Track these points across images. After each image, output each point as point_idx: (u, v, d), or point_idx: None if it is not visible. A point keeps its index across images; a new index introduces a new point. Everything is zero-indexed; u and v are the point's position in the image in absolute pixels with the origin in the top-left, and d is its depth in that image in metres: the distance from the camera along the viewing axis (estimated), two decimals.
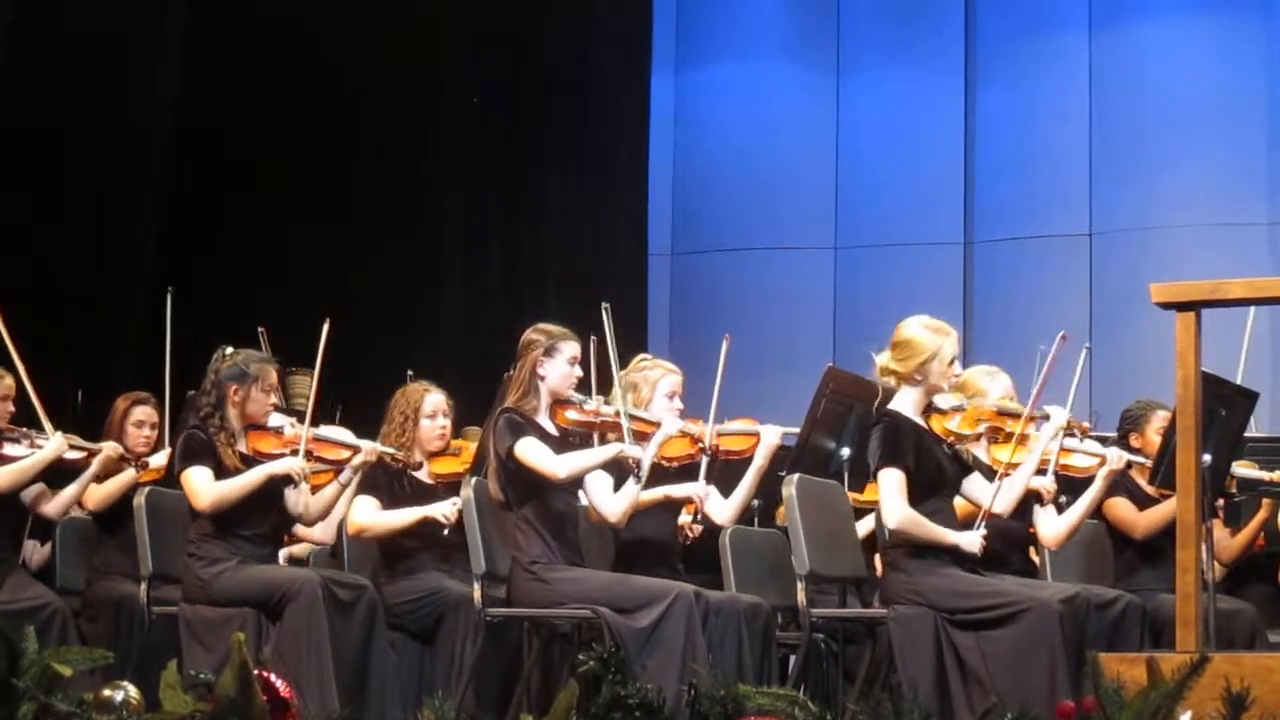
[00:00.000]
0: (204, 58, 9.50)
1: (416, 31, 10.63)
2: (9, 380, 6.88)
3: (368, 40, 10.37)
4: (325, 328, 6.45)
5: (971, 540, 5.92)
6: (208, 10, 9.52)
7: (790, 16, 12.19)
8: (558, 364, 6.07)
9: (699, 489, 6.35)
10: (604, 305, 6.33)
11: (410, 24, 10.59)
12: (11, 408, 6.87)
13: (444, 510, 6.51)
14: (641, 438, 6.20)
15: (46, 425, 7.00)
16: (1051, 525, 6.53)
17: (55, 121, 8.91)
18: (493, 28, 11.10)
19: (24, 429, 6.90)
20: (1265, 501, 7.01)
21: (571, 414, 6.11)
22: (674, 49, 12.29)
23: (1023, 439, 6.18)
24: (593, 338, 6.41)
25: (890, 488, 5.87)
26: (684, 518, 6.66)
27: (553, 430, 6.09)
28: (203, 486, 6.10)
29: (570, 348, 6.11)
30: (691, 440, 6.34)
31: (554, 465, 5.94)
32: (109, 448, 7.04)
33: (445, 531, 6.47)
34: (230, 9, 9.71)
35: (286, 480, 6.29)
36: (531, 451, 5.95)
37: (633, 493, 6.10)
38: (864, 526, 6.83)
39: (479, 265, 11.02)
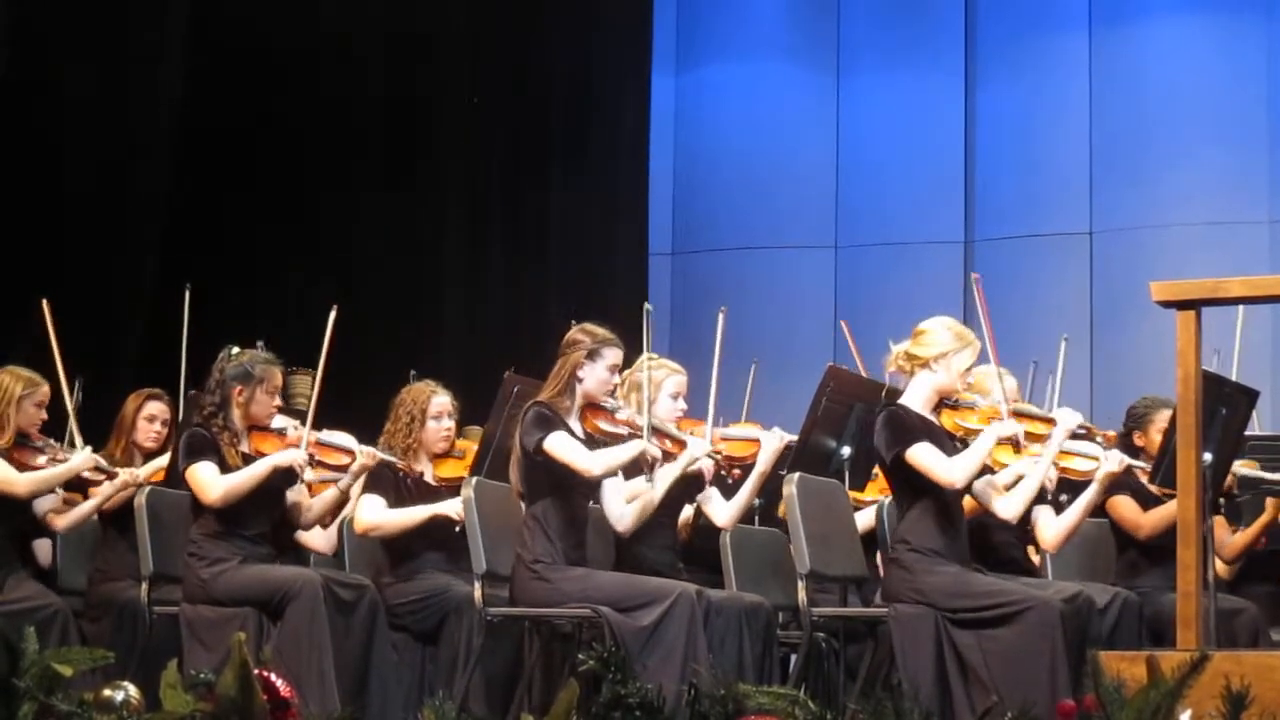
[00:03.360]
0: (205, 59, 9.50)
1: (417, 31, 10.63)
2: (45, 388, 6.89)
3: (369, 40, 10.38)
4: (332, 315, 6.43)
5: (1005, 428, 5.94)
6: (208, 10, 9.53)
7: (791, 16, 12.19)
8: (598, 369, 6.04)
9: (707, 460, 6.33)
10: (646, 307, 6.30)
11: (411, 24, 10.60)
12: (44, 415, 6.88)
13: (455, 508, 6.49)
14: (665, 456, 6.17)
15: (78, 439, 7.00)
16: (1049, 528, 6.51)
17: (57, 123, 8.91)
18: (494, 28, 11.10)
19: (50, 440, 6.90)
20: (1271, 502, 6.99)
21: (602, 423, 6.06)
22: (674, 49, 12.30)
23: (1037, 439, 6.17)
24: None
25: (930, 458, 5.85)
26: (686, 513, 6.66)
27: (579, 434, 6.06)
28: (211, 480, 6.11)
29: (613, 354, 6.06)
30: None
31: (588, 463, 5.92)
32: (127, 473, 7.01)
33: (457, 529, 6.44)
34: (231, 9, 9.72)
35: (289, 477, 6.29)
36: (564, 447, 5.92)
37: (646, 501, 6.11)
38: (863, 521, 6.83)
39: (480, 265, 11.02)
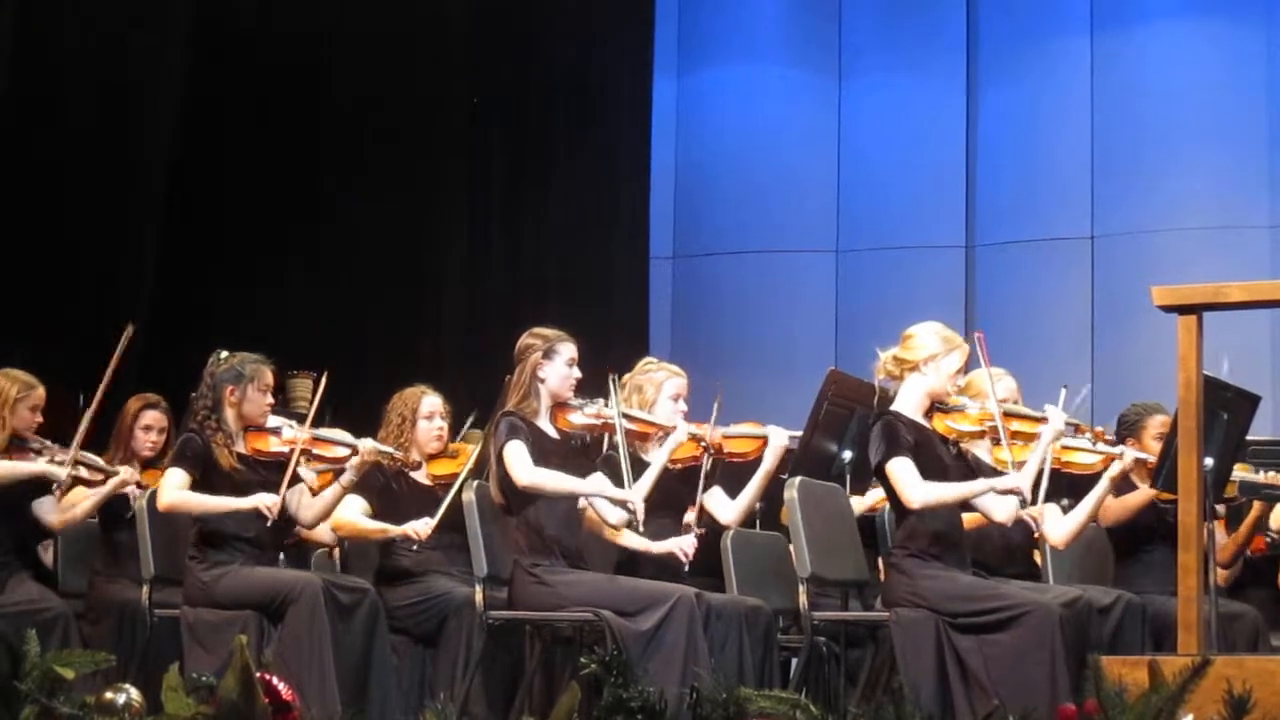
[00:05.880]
0: (205, 62, 9.51)
1: (418, 34, 10.63)
2: (40, 391, 6.89)
3: (369, 43, 10.38)
4: (322, 383, 6.43)
5: (1010, 482, 5.92)
6: (210, 11, 9.54)
7: (792, 19, 12.19)
8: (556, 366, 6.09)
9: (689, 543, 6.31)
10: (612, 376, 6.31)
11: (412, 26, 10.60)
12: (39, 419, 6.88)
13: (416, 528, 6.50)
14: (643, 439, 6.21)
15: (75, 447, 6.99)
16: (1058, 526, 6.53)
17: (57, 127, 8.92)
18: (494, 31, 11.10)
19: (46, 442, 6.90)
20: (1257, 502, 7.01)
21: (573, 417, 6.12)
22: (675, 52, 12.29)
23: (1027, 439, 6.18)
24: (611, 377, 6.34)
25: (903, 474, 5.87)
26: (688, 518, 6.66)
27: (553, 433, 6.10)
28: (169, 487, 6.12)
29: (568, 349, 6.13)
30: (695, 442, 6.35)
31: (519, 471, 5.94)
32: (125, 472, 7.02)
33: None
34: (231, 13, 9.72)
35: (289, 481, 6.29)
36: (511, 454, 5.97)
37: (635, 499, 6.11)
38: (862, 505, 6.82)
39: (480, 269, 11.02)
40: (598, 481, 6.09)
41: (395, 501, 6.64)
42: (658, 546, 6.32)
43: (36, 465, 6.78)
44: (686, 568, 6.32)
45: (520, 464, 5.96)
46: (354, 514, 6.59)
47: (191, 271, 9.15)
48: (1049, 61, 11.54)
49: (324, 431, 6.47)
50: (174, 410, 7.33)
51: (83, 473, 6.95)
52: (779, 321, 11.48)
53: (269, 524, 6.28)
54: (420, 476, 6.76)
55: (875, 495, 6.82)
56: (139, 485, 7.07)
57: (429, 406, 6.78)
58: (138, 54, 9.27)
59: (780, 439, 6.44)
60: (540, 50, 11.44)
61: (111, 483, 6.99)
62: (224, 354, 6.36)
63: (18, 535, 6.98)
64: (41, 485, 6.97)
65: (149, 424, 7.32)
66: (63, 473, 6.81)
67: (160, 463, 7.18)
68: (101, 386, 6.87)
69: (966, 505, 6.06)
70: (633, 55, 11.87)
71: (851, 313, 11.56)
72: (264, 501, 6.28)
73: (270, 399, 6.37)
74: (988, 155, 11.71)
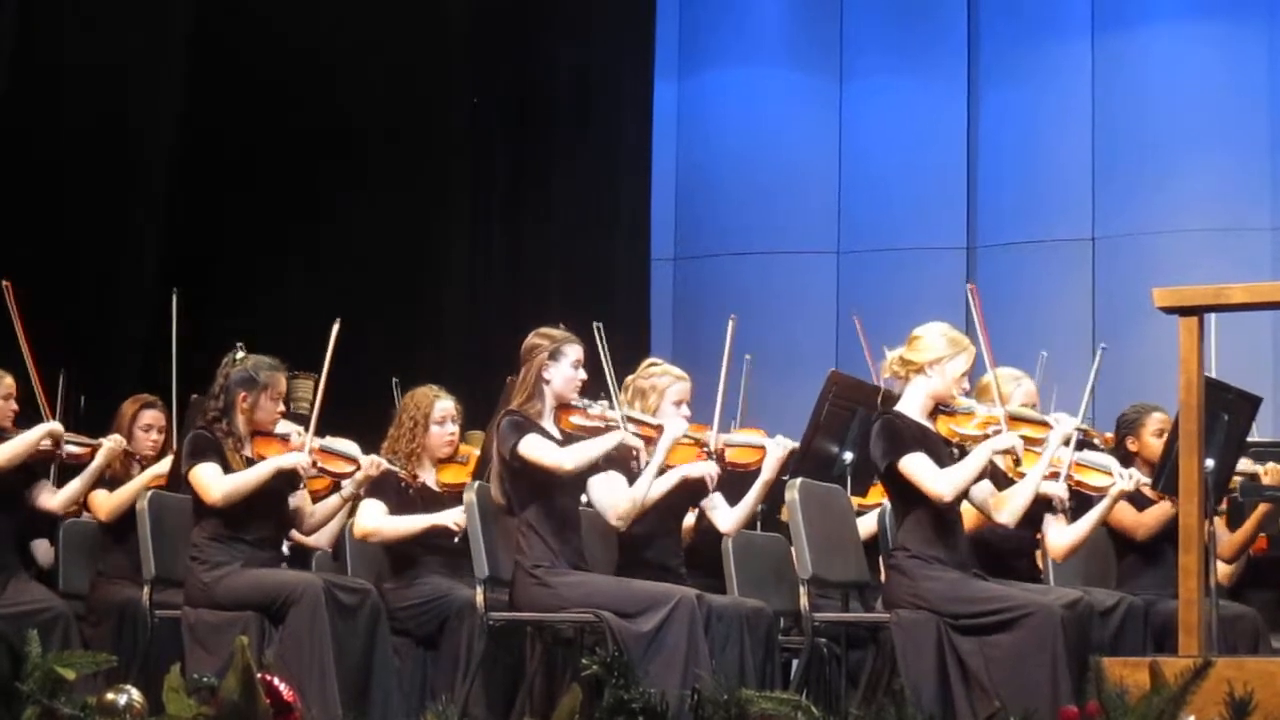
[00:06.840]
0: (206, 62, 9.51)
1: (418, 35, 10.64)
2: (9, 380, 6.90)
3: (369, 44, 10.38)
4: (335, 328, 6.43)
5: (1001, 441, 5.92)
6: (210, 12, 9.54)
7: (793, 21, 12.19)
8: (562, 367, 6.08)
9: (712, 467, 6.33)
10: (596, 325, 6.32)
11: (412, 28, 10.60)
12: (15, 406, 6.89)
13: (454, 518, 6.50)
14: (646, 442, 6.20)
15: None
16: (1059, 537, 6.53)
17: (59, 126, 8.92)
18: (494, 31, 11.11)
19: (25, 430, 6.91)
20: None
21: (576, 419, 6.10)
22: (677, 54, 12.30)
23: (1033, 444, 6.16)
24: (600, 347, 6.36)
25: (921, 469, 5.84)
26: (688, 521, 6.66)
27: (556, 434, 6.10)
28: (213, 480, 6.11)
29: (574, 351, 6.12)
30: (697, 446, 6.34)
31: (559, 458, 5.94)
32: (113, 440, 7.05)
33: (455, 540, 6.45)
34: (232, 13, 9.73)
35: (292, 481, 6.29)
36: (535, 448, 5.95)
37: (636, 494, 6.11)
38: (865, 527, 6.83)
39: (481, 270, 11.03)
40: (613, 436, 6.04)
41: (406, 507, 6.62)
42: (684, 469, 6.27)
43: (34, 434, 6.79)
44: (713, 487, 6.32)
45: (552, 453, 5.94)
46: (378, 518, 6.57)
47: (191, 271, 9.13)
48: (1050, 63, 11.55)
49: (330, 442, 6.45)
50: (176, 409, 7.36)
51: (72, 449, 6.95)
52: (780, 323, 11.49)
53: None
54: (430, 482, 6.74)
55: (872, 520, 6.79)
56: (131, 453, 7.08)
57: (441, 411, 6.75)
58: (138, 54, 9.27)
59: (779, 451, 6.42)
60: (540, 50, 11.45)
61: (102, 454, 7.00)
62: (240, 354, 6.34)
63: (18, 533, 6.98)
64: (34, 471, 6.98)
65: (149, 423, 7.32)
66: (58, 424, 6.85)
67: (159, 461, 7.21)
68: None
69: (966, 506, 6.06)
70: (633, 55, 11.87)
71: (853, 314, 11.56)
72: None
73: (282, 407, 6.37)
74: (989, 157, 11.72)
